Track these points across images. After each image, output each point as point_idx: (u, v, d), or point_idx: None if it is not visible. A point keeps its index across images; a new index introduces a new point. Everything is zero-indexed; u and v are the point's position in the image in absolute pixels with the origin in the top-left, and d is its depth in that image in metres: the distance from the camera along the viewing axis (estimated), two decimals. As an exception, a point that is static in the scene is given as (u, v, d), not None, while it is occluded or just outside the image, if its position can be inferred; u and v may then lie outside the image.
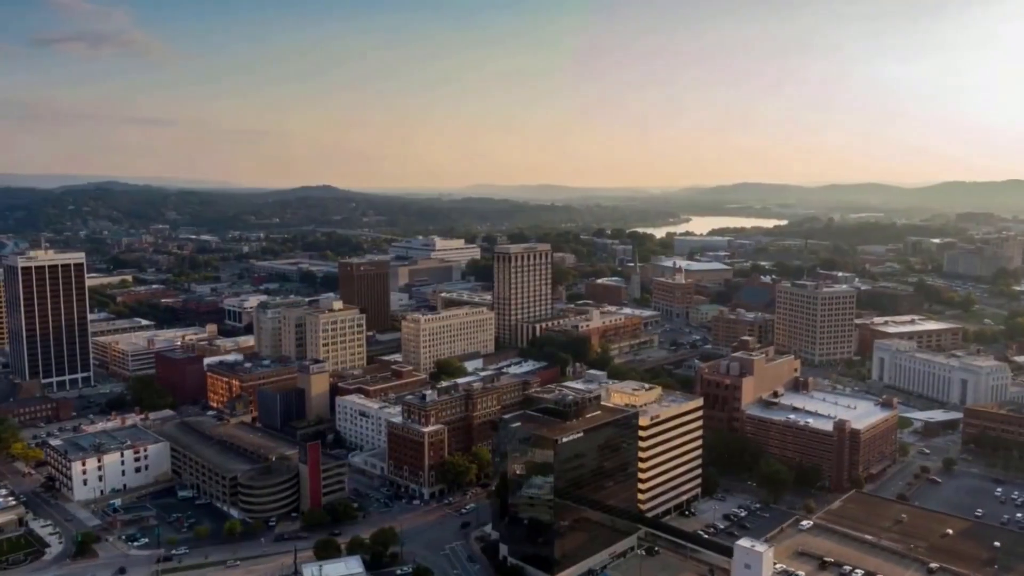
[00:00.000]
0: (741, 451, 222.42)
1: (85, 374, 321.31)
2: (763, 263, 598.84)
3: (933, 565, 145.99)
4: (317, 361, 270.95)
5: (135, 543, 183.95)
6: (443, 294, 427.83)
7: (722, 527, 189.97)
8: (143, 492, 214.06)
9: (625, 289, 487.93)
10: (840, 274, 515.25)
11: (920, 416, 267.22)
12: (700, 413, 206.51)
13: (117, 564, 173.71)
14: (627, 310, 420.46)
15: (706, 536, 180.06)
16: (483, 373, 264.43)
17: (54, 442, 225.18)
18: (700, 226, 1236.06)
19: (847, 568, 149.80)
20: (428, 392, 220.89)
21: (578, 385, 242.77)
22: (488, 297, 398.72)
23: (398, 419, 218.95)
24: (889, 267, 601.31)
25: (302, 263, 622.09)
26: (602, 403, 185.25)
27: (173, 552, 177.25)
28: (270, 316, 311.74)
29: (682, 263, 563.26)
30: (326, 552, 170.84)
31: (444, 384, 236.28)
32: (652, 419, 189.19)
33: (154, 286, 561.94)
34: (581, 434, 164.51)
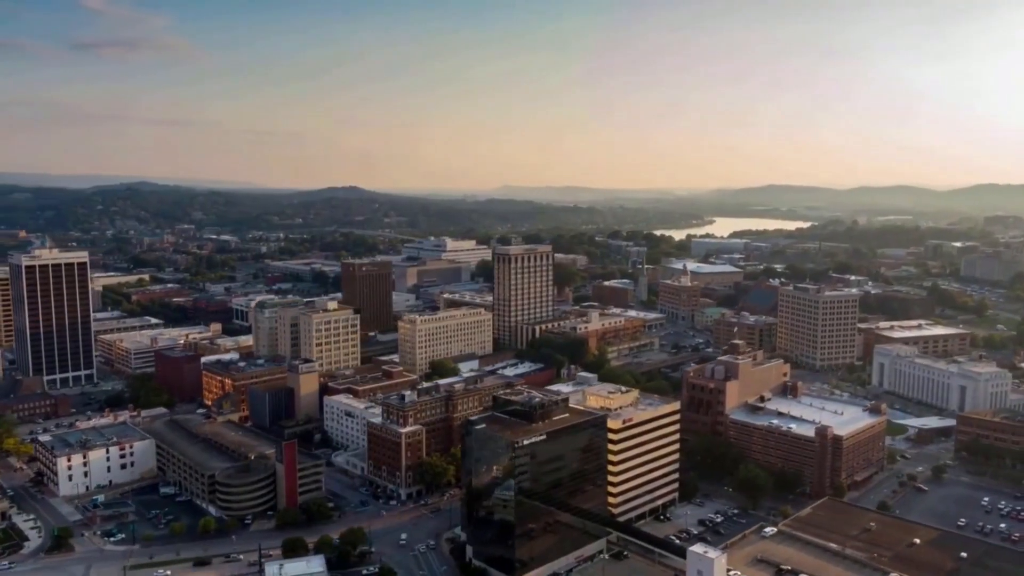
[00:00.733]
0: (723, 456, 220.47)
1: (88, 371, 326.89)
2: (777, 266, 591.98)
3: (893, 575, 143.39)
4: (307, 360, 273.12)
5: (111, 538, 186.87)
6: (446, 295, 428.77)
7: (695, 532, 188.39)
8: (127, 488, 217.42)
9: (632, 291, 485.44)
10: (852, 277, 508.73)
11: (914, 423, 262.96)
12: (677, 417, 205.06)
13: (92, 559, 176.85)
14: (631, 312, 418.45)
15: (678, 542, 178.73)
16: (466, 375, 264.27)
17: (43, 438, 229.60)
18: (723, 228, 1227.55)
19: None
20: (408, 393, 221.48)
21: (566, 387, 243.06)
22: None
23: (379, 419, 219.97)
24: (905, 271, 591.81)
25: (315, 263, 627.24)
26: (572, 405, 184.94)
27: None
28: (267, 316, 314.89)
29: (692, 265, 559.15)
30: (293, 551, 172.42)
31: (425, 385, 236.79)
32: (624, 422, 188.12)
33: (169, 285, 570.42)
34: (543, 436, 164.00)
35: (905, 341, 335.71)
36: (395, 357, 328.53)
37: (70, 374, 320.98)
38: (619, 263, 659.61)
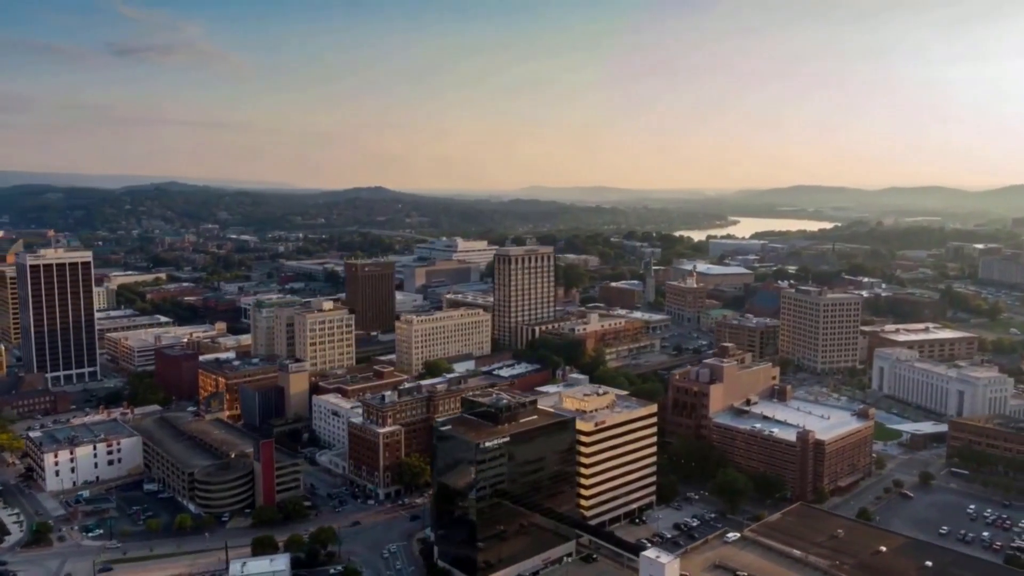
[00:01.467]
0: (706, 459, 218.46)
1: (92, 369, 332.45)
2: (791, 268, 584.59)
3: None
4: (297, 360, 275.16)
5: (90, 534, 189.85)
6: (449, 295, 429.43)
7: (669, 536, 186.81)
8: (113, 485, 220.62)
9: (639, 292, 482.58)
10: (865, 279, 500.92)
11: (908, 428, 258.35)
12: (654, 420, 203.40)
13: (68, 554, 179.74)
14: (637, 314, 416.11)
15: (649, 545, 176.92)
16: (450, 376, 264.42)
17: (33, 434, 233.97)
18: (746, 229, 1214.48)
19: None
20: (388, 393, 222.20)
21: (555, 389, 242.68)
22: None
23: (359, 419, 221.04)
24: (921, 273, 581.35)
25: (328, 263, 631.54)
26: (544, 407, 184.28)
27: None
28: (264, 315, 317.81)
29: (702, 267, 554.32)
30: (263, 549, 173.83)
31: (407, 386, 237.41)
32: (596, 425, 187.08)
33: (183, 284, 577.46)
34: (507, 438, 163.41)
35: (910, 345, 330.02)
36: (394, 357, 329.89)
37: (73, 371, 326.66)
38: (633, 264, 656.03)
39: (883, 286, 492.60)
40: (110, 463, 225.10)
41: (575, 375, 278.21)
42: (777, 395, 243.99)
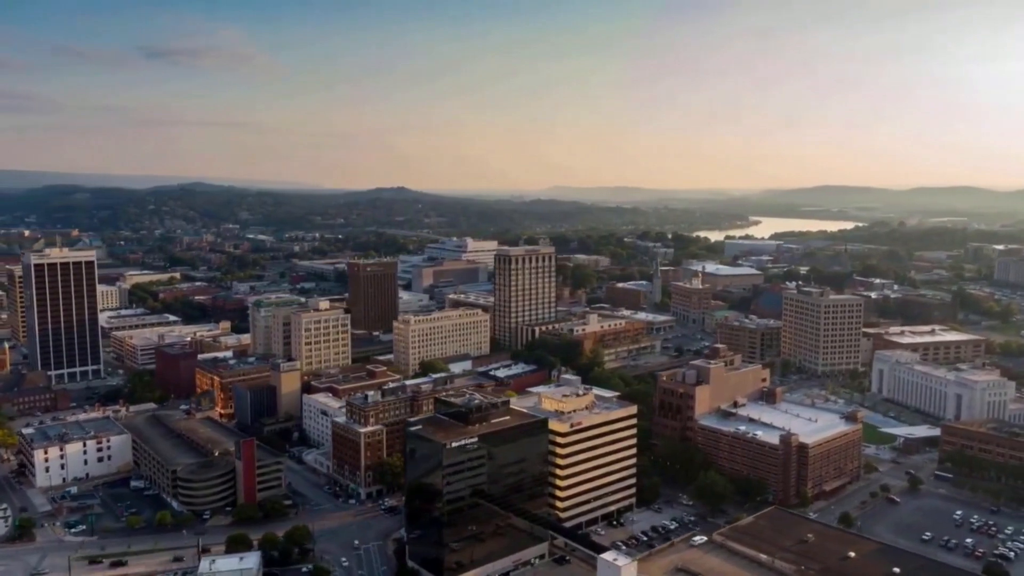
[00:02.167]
0: (690, 462, 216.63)
1: (95, 367, 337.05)
2: (803, 268, 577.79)
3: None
4: (289, 359, 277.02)
5: (72, 530, 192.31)
6: (452, 295, 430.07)
7: (645, 539, 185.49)
8: (102, 481, 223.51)
9: (644, 293, 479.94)
10: (876, 280, 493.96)
11: (902, 432, 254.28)
12: (634, 421, 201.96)
13: (49, 549, 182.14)
14: (641, 315, 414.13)
15: (625, 548, 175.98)
16: (435, 376, 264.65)
17: (26, 430, 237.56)
18: (766, 229, 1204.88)
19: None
20: (371, 393, 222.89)
21: (547, 389, 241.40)
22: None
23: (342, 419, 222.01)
24: (936, 274, 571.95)
25: (340, 263, 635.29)
26: (516, 408, 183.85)
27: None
28: (262, 315, 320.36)
29: (711, 267, 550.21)
30: (237, 547, 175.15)
31: (392, 385, 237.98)
32: (572, 426, 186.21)
33: (196, 284, 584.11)
34: (476, 439, 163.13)
35: (914, 347, 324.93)
36: (392, 357, 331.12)
37: (77, 369, 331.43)
38: (644, 264, 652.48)
39: (895, 287, 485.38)
40: (100, 460, 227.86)
41: (568, 376, 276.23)
42: (766, 397, 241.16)
